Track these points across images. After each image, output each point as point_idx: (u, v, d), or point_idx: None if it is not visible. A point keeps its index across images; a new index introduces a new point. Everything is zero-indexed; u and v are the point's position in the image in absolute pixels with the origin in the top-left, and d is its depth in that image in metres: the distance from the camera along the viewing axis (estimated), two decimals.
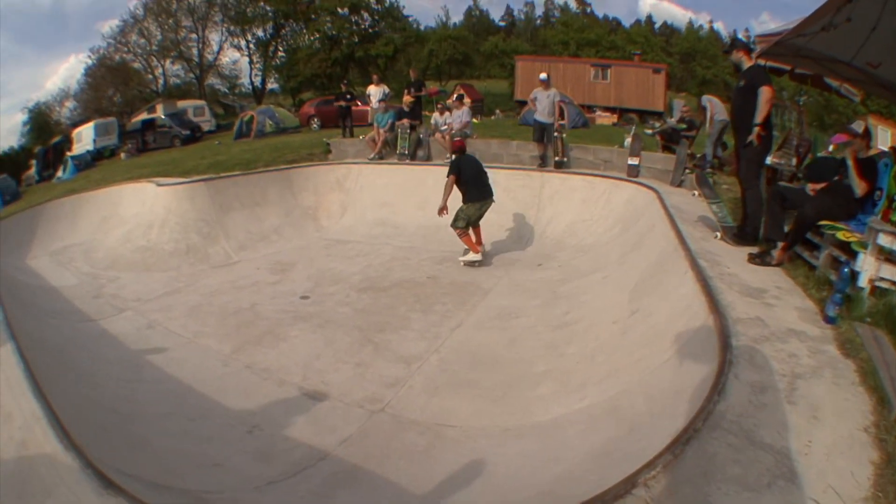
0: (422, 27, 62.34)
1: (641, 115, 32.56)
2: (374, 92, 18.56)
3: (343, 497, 4.62)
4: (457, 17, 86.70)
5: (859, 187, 6.35)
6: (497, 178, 12.75)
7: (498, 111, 35.12)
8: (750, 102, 7.38)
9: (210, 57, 55.74)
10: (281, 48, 56.90)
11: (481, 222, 11.29)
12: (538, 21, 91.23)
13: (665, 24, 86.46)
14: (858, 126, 7.67)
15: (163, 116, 34.29)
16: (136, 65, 53.54)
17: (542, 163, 14.19)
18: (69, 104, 53.27)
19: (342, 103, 20.29)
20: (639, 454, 3.62)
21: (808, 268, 6.60)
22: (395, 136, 16.42)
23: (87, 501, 3.41)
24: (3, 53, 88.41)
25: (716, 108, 13.24)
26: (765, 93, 7.25)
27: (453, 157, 11.40)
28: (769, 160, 9.06)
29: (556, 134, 13.96)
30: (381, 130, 16.41)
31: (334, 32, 51.78)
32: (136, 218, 13.56)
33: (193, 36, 53.97)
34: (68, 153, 29.66)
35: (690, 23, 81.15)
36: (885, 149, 8.46)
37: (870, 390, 4.03)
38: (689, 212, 9.37)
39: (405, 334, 7.94)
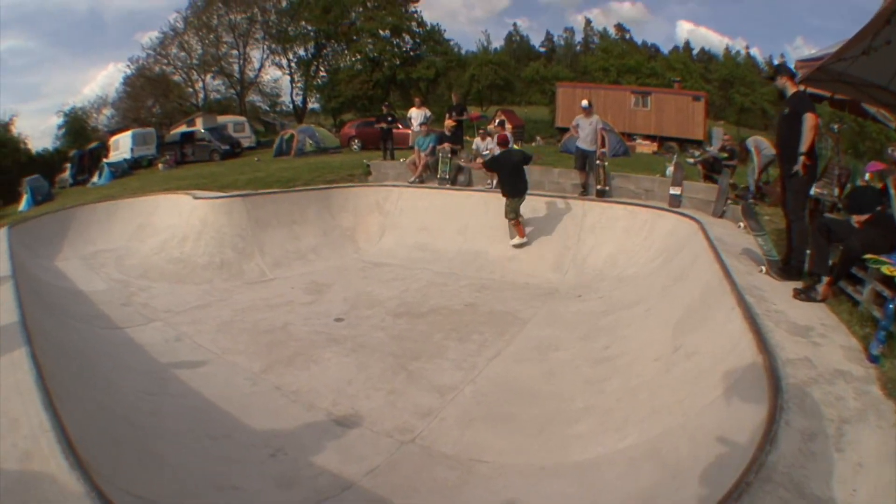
0: (463, 51, 62.62)
1: (681, 143, 32.24)
2: (416, 115, 18.45)
3: None
4: (497, 42, 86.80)
5: None
6: (538, 205, 12.93)
7: (538, 138, 35.02)
8: (795, 130, 7.25)
9: (251, 74, 56.42)
10: (323, 68, 57.44)
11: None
12: (578, 47, 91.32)
13: (703, 50, 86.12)
14: (894, 152, 7.46)
15: (202, 130, 34.60)
16: (177, 77, 54.45)
17: (584, 191, 14.03)
18: (107, 111, 54.30)
19: (383, 125, 20.32)
20: None
21: (852, 303, 6.42)
22: (436, 161, 16.31)
23: None
24: (37, 55, 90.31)
25: (761, 147, 13.01)
26: (809, 119, 7.11)
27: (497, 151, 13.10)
28: (812, 191, 8.85)
29: (598, 162, 13.81)
30: (422, 154, 16.33)
31: (376, 54, 52.26)
32: (171, 229, 13.67)
33: (234, 52, 54.72)
34: (105, 159, 30.24)
35: (727, 49, 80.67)
36: None
37: None
38: (732, 244, 9.19)
39: (440, 363, 7.79)
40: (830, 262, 6.79)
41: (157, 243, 13.35)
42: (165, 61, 53.06)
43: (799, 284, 7.06)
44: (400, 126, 22.87)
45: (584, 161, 13.90)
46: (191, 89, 55.82)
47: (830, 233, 6.86)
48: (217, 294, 11.15)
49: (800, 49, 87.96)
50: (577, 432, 5.73)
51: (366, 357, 8.03)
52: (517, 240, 12.78)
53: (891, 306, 5.04)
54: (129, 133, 34.41)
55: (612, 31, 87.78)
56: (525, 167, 12.78)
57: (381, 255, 13.87)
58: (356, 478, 5.14)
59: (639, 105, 36.07)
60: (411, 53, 54.15)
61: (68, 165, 31.15)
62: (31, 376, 4.97)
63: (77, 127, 50.06)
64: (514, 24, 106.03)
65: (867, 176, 10.05)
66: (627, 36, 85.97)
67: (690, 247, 9.74)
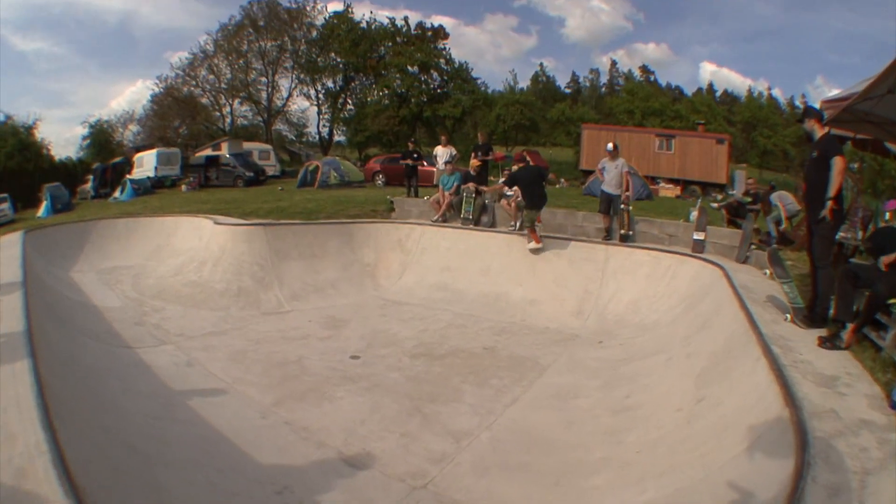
0: (489, 90, 63.05)
1: (704, 186, 32.17)
2: (441, 153, 18.48)
3: None
4: (524, 82, 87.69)
5: None
6: (561, 249, 12.96)
7: (563, 180, 35.01)
8: (823, 175, 7.20)
9: (279, 102, 57.17)
10: (350, 101, 58.07)
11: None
12: (603, 88, 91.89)
13: (725, 91, 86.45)
14: None
15: (227, 155, 34.91)
16: (204, 100, 55.30)
17: (608, 235, 13.89)
18: (133, 127, 55.37)
19: (409, 162, 20.33)
20: None
21: (875, 349, 6.33)
22: (460, 200, 16.24)
23: None
24: (65, 62, 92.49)
25: (785, 201, 12.92)
26: (837, 163, 7.07)
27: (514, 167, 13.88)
28: (837, 235, 8.72)
29: (622, 206, 13.71)
30: (446, 193, 16.25)
31: (403, 90, 52.74)
32: (190, 252, 13.88)
33: (263, 79, 55.59)
34: (128, 175, 30.48)
35: (750, 90, 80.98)
36: None
37: None
38: (756, 291, 9.09)
39: (457, 407, 7.63)
40: (855, 308, 6.65)
41: (175, 265, 13.49)
42: (194, 83, 54.07)
43: (824, 332, 6.96)
44: (425, 163, 22.87)
45: (608, 205, 13.79)
46: (218, 113, 56.80)
47: (857, 279, 6.75)
48: (232, 322, 11.15)
49: (820, 88, 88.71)
50: (594, 484, 5.57)
51: (380, 397, 7.90)
52: (532, 244, 13.23)
53: None
54: (153, 151, 34.84)
55: (636, 72, 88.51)
56: (543, 182, 13.82)
57: (400, 294, 13.78)
58: None
59: (663, 148, 36.07)
60: (438, 90, 54.67)
61: (90, 177, 31.35)
62: (31, 391, 4.90)
63: (102, 140, 51.02)
64: (541, 65, 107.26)
65: (887, 215, 9.92)
66: (652, 77, 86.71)
67: (714, 294, 9.62)
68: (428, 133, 53.42)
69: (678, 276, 11.42)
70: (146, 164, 33.39)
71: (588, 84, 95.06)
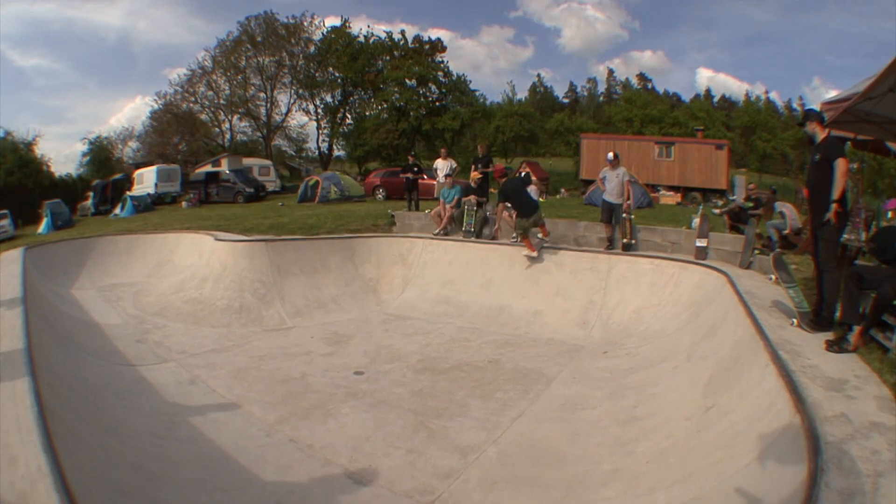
0: (487, 102, 63.20)
1: (704, 193, 32.19)
2: (442, 166, 18.54)
3: None
4: (521, 93, 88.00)
5: None
6: (564, 259, 12.94)
7: (563, 190, 35.04)
8: (826, 177, 7.16)
9: (278, 117, 57.53)
10: (349, 115, 58.46)
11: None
12: (601, 97, 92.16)
13: (723, 97, 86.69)
14: None
15: (227, 171, 35.23)
16: (203, 116, 55.58)
17: (610, 245, 13.85)
18: (132, 144, 55.90)
19: (409, 175, 20.30)
20: None
21: (882, 350, 6.31)
22: (461, 213, 16.22)
23: None
24: (63, 78, 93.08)
25: (792, 216, 12.89)
26: (840, 166, 7.03)
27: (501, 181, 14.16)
28: (841, 237, 8.69)
29: (624, 215, 13.67)
30: (447, 206, 16.21)
31: (402, 103, 53.03)
32: (191, 269, 13.90)
33: (262, 95, 55.96)
34: (128, 192, 30.82)
35: (747, 95, 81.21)
36: None
37: None
38: (761, 296, 9.03)
39: (462, 422, 7.55)
40: (861, 310, 6.61)
41: (176, 282, 13.51)
42: (193, 99, 54.43)
43: (830, 335, 6.93)
44: (425, 177, 22.87)
45: (610, 214, 13.78)
46: (217, 129, 57.17)
47: (862, 281, 6.69)
48: (234, 339, 11.11)
49: (817, 89, 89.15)
50: (604, 497, 5.49)
51: (385, 413, 7.83)
52: (527, 251, 13.42)
53: None
54: (153, 168, 35.23)
55: (634, 80, 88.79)
56: (528, 189, 14.20)
57: (403, 308, 13.74)
58: None
59: (662, 155, 36.13)
60: (437, 103, 54.95)
61: (91, 194, 31.54)
62: (31, 412, 4.85)
63: (102, 157, 51.23)
64: (538, 75, 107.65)
65: (889, 214, 9.88)
66: (649, 85, 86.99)
67: (719, 301, 9.58)
68: (427, 146, 53.64)
69: (682, 283, 11.37)
70: (146, 180, 33.74)
71: (586, 93, 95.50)
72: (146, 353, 9.78)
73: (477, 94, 59.85)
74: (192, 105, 54.28)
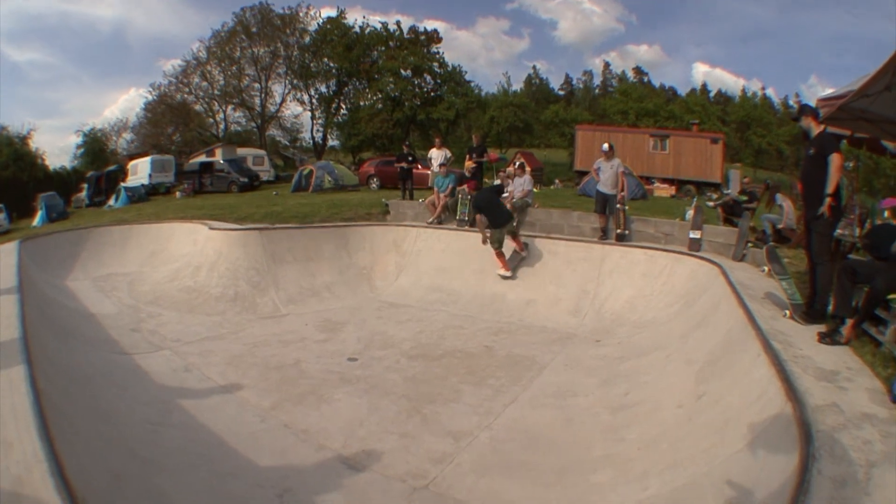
0: (483, 93, 63.06)
1: (698, 186, 32.21)
2: (436, 155, 18.44)
3: None
4: (517, 84, 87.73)
5: None
6: (557, 249, 13.01)
7: (557, 181, 35.04)
8: (820, 171, 7.24)
9: (272, 107, 57.34)
10: (344, 105, 58.31)
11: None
12: (597, 90, 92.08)
13: (719, 91, 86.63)
14: None
15: (221, 161, 35.05)
16: (198, 107, 55.43)
17: (604, 235, 13.87)
18: (126, 135, 55.50)
19: (403, 164, 20.25)
20: None
21: (875, 344, 6.36)
22: (455, 202, 16.23)
23: None
24: (58, 71, 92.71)
25: (789, 213, 12.91)
26: (835, 160, 7.11)
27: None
28: (835, 232, 8.73)
29: (618, 206, 13.68)
30: (441, 195, 16.22)
31: (396, 93, 52.86)
32: (185, 257, 13.90)
33: (256, 85, 55.63)
34: (122, 183, 30.72)
35: (743, 90, 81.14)
36: None
37: None
38: (754, 288, 9.10)
39: (455, 407, 7.61)
40: (854, 304, 6.67)
41: (171, 271, 13.49)
42: (187, 90, 54.16)
43: (822, 328, 6.98)
44: (419, 166, 22.84)
45: (604, 205, 13.78)
46: (211, 119, 57.03)
47: (855, 274, 6.76)
48: (229, 326, 11.13)
49: (814, 87, 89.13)
50: (596, 482, 5.54)
51: (379, 399, 7.88)
52: (501, 271, 13.23)
53: None
54: (147, 158, 35.07)
55: (630, 73, 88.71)
56: (500, 199, 13.89)
57: (397, 296, 13.77)
58: None
59: (657, 148, 36.06)
60: (432, 94, 54.84)
61: (85, 186, 31.58)
62: (27, 399, 4.85)
63: (96, 148, 51.05)
64: (534, 67, 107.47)
65: (885, 213, 9.93)
66: (645, 79, 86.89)
67: (712, 291, 9.64)
68: (422, 136, 53.46)
69: (675, 274, 11.43)
70: (140, 171, 33.63)
71: (581, 86, 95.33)
72: (141, 341, 9.77)
73: (472, 84, 59.79)
74: (186, 96, 54.10)
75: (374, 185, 31.08)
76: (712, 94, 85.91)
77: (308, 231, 15.20)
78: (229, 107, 56.30)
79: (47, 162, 40.33)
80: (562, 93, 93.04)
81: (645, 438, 6.12)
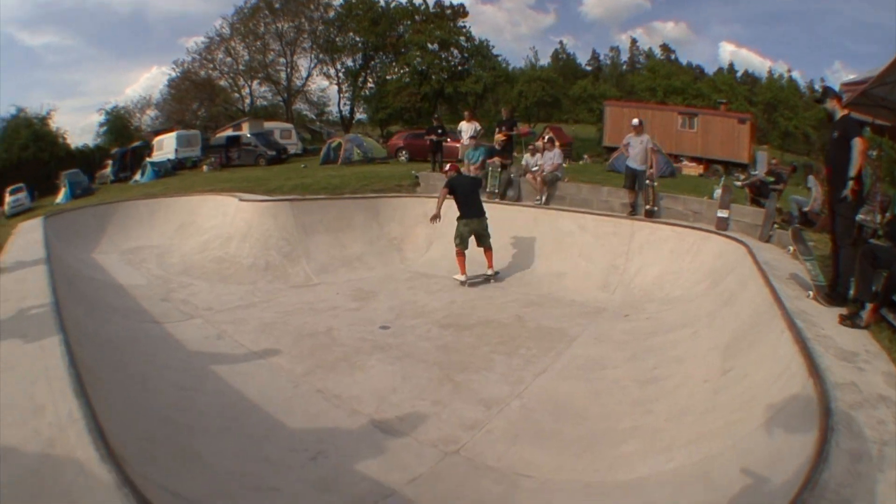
0: (510, 68, 62.59)
1: (726, 165, 31.95)
2: (466, 128, 18.47)
3: None
4: (544, 60, 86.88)
5: None
6: (587, 223, 13.08)
7: (586, 156, 34.88)
8: (844, 155, 7.29)
9: (298, 82, 56.94)
10: (371, 79, 57.96)
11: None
12: (624, 66, 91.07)
13: (746, 72, 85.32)
14: None
15: (248, 135, 34.96)
16: (223, 82, 55.14)
17: (633, 211, 13.92)
18: (150, 112, 55.47)
19: (433, 137, 20.43)
20: None
21: (892, 330, 6.43)
22: (486, 174, 16.29)
23: None
24: (76, 53, 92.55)
25: (817, 197, 12.93)
26: (858, 144, 7.17)
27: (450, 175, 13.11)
28: (857, 216, 8.83)
29: (647, 182, 13.73)
30: (472, 167, 16.23)
31: (424, 67, 52.54)
32: (215, 229, 14.08)
33: (282, 60, 55.31)
34: (148, 158, 30.70)
35: (770, 72, 79.78)
36: None
37: None
38: (780, 268, 9.13)
39: (487, 376, 7.76)
40: (874, 289, 6.79)
41: (200, 242, 13.74)
42: (211, 66, 53.95)
43: (844, 310, 7.05)
44: (449, 139, 22.95)
45: (633, 180, 13.83)
46: (237, 94, 56.73)
47: (876, 259, 6.83)
48: (260, 295, 11.35)
49: (838, 73, 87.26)
50: (623, 452, 5.67)
51: (411, 366, 8.03)
52: (457, 275, 12.46)
53: None
54: (173, 133, 34.91)
55: (657, 50, 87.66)
56: (479, 191, 13.32)
57: (427, 266, 13.94)
58: (398, 486, 5.10)
59: (685, 126, 35.84)
60: (459, 67, 54.42)
61: (110, 162, 31.68)
62: (62, 363, 4.98)
63: (119, 126, 50.69)
64: (560, 42, 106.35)
65: None
66: (672, 56, 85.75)
67: (738, 270, 9.70)
68: (450, 109, 53.12)
69: (702, 251, 11.51)
70: (166, 146, 33.55)
71: (609, 62, 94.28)
72: (172, 310, 9.98)
73: (499, 59, 59.44)
74: (210, 72, 53.94)
75: (403, 158, 31.01)
76: (739, 74, 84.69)
77: (338, 202, 15.43)
78: (255, 81, 56.00)
79: (69, 141, 40.48)
80: (589, 68, 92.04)
81: (672, 411, 6.25)
